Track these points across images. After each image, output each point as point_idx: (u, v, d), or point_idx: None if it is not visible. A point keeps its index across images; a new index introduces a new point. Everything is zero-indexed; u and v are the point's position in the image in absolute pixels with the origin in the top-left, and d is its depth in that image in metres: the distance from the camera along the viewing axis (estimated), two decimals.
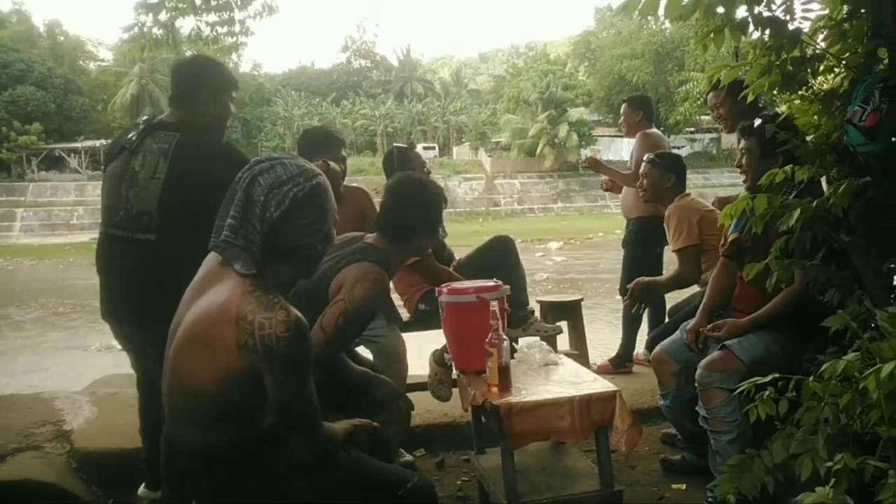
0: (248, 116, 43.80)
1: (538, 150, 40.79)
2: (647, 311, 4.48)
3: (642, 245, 4.38)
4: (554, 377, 2.47)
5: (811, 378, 1.64)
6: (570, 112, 40.32)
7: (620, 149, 35.59)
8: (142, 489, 2.77)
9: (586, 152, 36.72)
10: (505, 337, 2.31)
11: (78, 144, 39.97)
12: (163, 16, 4.90)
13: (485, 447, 2.70)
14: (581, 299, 4.29)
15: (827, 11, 2.35)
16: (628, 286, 3.57)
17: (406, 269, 3.24)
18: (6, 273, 21.06)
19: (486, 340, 2.28)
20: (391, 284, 2.61)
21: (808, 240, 2.14)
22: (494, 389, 2.29)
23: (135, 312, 2.45)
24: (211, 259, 1.67)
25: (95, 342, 9.54)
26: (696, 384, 2.55)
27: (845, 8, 2.29)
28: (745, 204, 2.16)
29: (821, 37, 2.39)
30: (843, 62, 2.32)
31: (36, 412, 3.39)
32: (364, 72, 57.78)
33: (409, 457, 3.18)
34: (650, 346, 3.42)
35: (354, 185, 3.48)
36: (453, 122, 48.99)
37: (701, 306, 2.85)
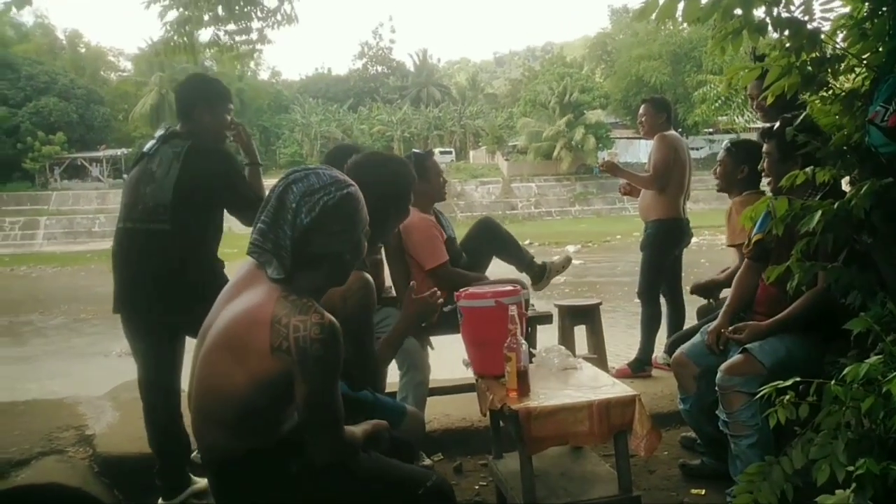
0: (266, 124, 44.18)
1: (555, 153, 40.70)
2: (666, 315, 4.47)
3: (660, 248, 4.34)
4: (572, 381, 2.46)
5: (833, 382, 1.62)
6: (587, 115, 40.19)
7: (638, 151, 35.40)
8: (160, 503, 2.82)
9: (603, 155, 36.52)
10: (523, 341, 2.31)
11: (100, 153, 40.57)
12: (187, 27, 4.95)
13: (503, 452, 2.69)
14: (599, 303, 4.27)
15: (847, 10, 2.32)
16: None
17: (427, 277, 3.26)
18: (30, 280, 21.41)
19: (505, 345, 2.27)
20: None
21: (830, 241, 2.11)
22: (513, 394, 2.28)
23: (151, 297, 2.69)
24: (247, 264, 1.71)
25: (117, 348, 9.64)
26: (716, 388, 2.53)
27: (866, 6, 2.26)
28: (765, 206, 2.15)
29: (840, 36, 2.36)
30: (864, 62, 2.29)
31: (59, 416, 3.44)
32: (381, 78, 58.04)
33: (427, 461, 3.18)
34: (669, 350, 3.39)
35: None
36: (470, 126, 49.05)
37: (724, 308, 2.83)
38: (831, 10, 2.30)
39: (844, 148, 2.26)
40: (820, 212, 1.96)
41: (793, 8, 2.21)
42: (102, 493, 2.86)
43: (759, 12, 2.16)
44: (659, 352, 4.32)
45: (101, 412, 3.54)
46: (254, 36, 4.97)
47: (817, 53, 2.27)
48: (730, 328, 2.67)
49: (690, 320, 3.98)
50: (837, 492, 1.42)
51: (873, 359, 1.56)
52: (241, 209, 2.73)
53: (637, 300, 4.53)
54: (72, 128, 39.52)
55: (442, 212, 3.66)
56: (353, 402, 2.28)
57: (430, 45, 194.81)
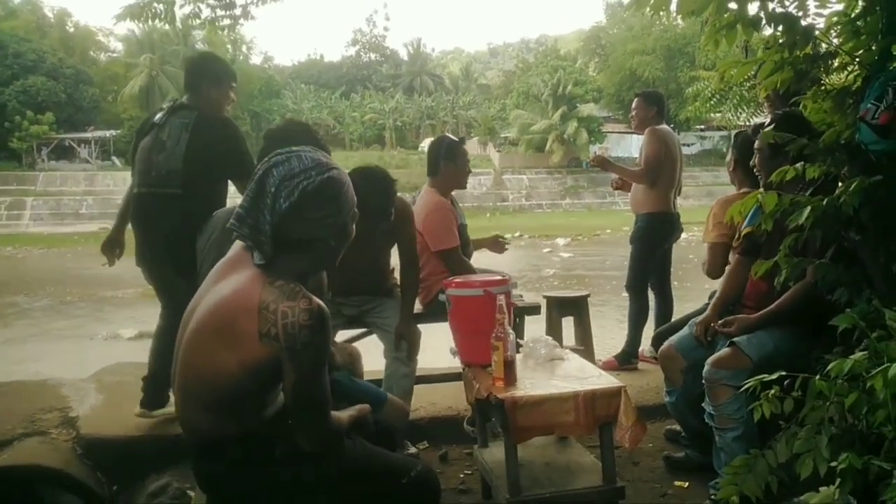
0: (257, 109, 43.74)
1: (547, 146, 40.65)
2: (654, 308, 4.49)
3: (649, 241, 4.36)
4: (559, 372, 2.47)
5: (817, 377, 1.63)
6: (579, 108, 40.16)
7: (630, 145, 35.41)
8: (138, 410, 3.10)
9: (595, 149, 36.51)
10: (511, 331, 2.31)
11: (88, 135, 40.09)
12: None
13: (488, 441, 2.70)
14: (587, 295, 4.28)
15: (841, 7, 2.33)
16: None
17: (433, 257, 3.29)
18: (15, 261, 21.20)
19: (493, 334, 2.27)
20: None
21: (818, 238, 2.12)
22: (500, 383, 2.29)
23: (166, 255, 3.00)
24: (237, 245, 1.69)
25: (102, 331, 9.61)
26: (703, 381, 2.54)
27: (860, 4, 2.26)
28: (754, 201, 2.15)
29: (834, 33, 2.37)
30: (857, 59, 2.29)
31: (43, 398, 3.42)
32: (374, 65, 57.69)
33: (413, 449, 3.18)
34: (656, 343, 3.40)
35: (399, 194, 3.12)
36: (462, 116, 48.87)
37: (713, 300, 2.85)
38: (825, 6, 2.30)
39: (833, 145, 2.26)
40: (809, 208, 1.97)
41: (787, 3, 2.21)
42: (85, 475, 2.84)
43: (754, 7, 2.16)
44: (646, 345, 4.34)
45: (85, 394, 3.52)
46: (237, 11, 4.93)
47: (810, 49, 2.27)
48: (719, 321, 2.68)
49: (678, 314, 3.99)
50: (822, 488, 1.43)
51: (858, 355, 1.57)
52: (241, 178, 2.92)
53: (625, 293, 4.55)
54: (60, 108, 38.96)
55: (456, 199, 3.70)
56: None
57: (424, 34, 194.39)
